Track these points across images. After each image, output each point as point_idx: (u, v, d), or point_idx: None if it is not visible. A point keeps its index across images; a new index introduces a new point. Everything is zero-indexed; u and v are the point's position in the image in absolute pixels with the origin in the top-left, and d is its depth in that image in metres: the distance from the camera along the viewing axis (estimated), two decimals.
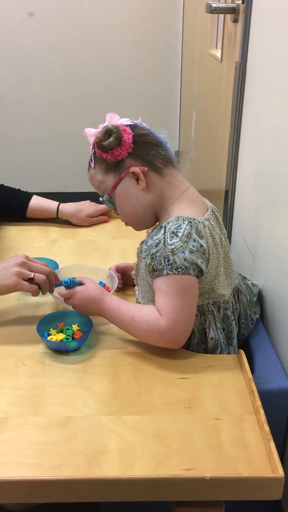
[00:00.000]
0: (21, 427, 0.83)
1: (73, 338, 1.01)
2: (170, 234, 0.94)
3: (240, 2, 1.38)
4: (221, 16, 1.66)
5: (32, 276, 1.02)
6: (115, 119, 1.00)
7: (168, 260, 0.93)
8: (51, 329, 1.04)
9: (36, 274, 1.03)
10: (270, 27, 1.21)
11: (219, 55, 1.72)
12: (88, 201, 1.58)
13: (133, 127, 1.00)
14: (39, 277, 1.03)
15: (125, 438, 0.81)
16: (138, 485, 0.75)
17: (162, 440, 0.81)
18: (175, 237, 0.93)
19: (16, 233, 1.51)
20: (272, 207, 1.19)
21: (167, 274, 0.93)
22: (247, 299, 1.13)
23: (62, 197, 1.66)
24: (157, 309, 0.95)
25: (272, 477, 0.74)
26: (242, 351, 0.99)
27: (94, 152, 1.01)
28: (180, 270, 0.92)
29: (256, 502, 0.79)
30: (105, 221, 1.58)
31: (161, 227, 0.97)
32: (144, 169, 0.98)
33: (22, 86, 2.70)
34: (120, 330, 1.01)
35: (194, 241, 0.93)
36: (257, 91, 1.32)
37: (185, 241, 0.93)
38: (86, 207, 1.56)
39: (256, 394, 0.88)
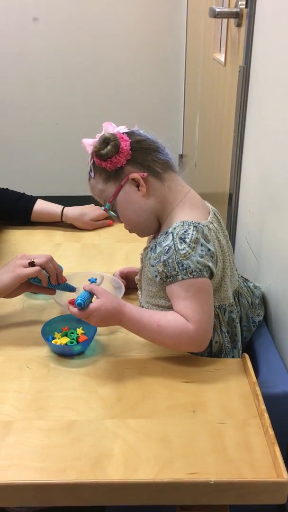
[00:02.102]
0: (25, 431, 0.83)
1: (78, 342, 1.01)
2: (179, 240, 0.94)
3: (244, 6, 1.39)
4: (225, 20, 1.66)
5: (32, 261, 1.04)
6: (111, 128, 1.01)
7: (182, 265, 0.93)
8: (56, 332, 1.04)
9: (36, 258, 1.05)
10: (273, 31, 1.22)
11: (222, 59, 1.73)
12: (92, 205, 1.58)
13: (129, 134, 1.00)
14: (40, 259, 1.05)
15: (129, 442, 0.81)
16: (142, 489, 0.75)
17: (167, 444, 0.81)
18: (184, 243, 0.94)
19: (21, 236, 1.51)
20: (276, 210, 1.19)
21: (182, 279, 0.93)
22: (248, 302, 1.13)
23: (67, 200, 1.66)
24: (179, 314, 0.94)
25: (277, 481, 0.74)
26: (246, 355, 0.99)
27: (93, 162, 1.01)
28: (195, 273, 0.93)
29: (261, 506, 0.78)
30: (109, 225, 1.58)
31: (167, 233, 0.97)
32: (143, 174, 0.98)
33: (26, 90, 2.71)
34: (124, 334, 1.01)
35: (202, 245, 0.94)
36: (261, 95, 1.32)
37: (193, 247, 0.93)
38: (90, 211, 1.56)
39: (260, 398, 0.88)
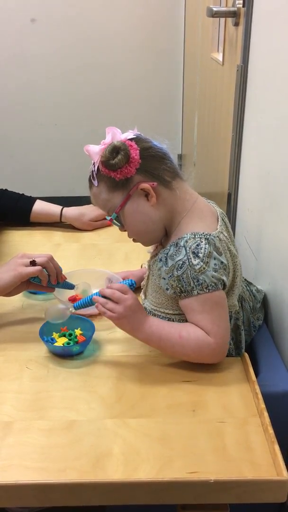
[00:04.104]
0: (25, 431, 0.83)
1: (76, 343, 1.01)
2: (192, 255, 0.92)
3: (241, 5, 1.39)
4: (222, 19, 1.66)
5: (33, 260, 1.04)
6: (118, 135, 0.96)
7: (198, 280, 0.92)
8: (54, 333, 1.04)
9: (37, 258, 1.05)
10: (271, 30, 1.22)
11: (220, 58, 1.73)
12: (92, 205, 1.56)
13: (137, 140, 0.96)
14: (41, 258, 1.05)
15: (130, 441, 0.81)
16: (142, 488, 0.75)
17: (167, 443, 0.81)
18: (197, 257, 0.92)
19: (20, 237, 1.51)
20: (275, 209, 1.19)
21: (198, 293, 0.93)
22: (250, 306, 1.13)
23: (66, 201, 1.66)
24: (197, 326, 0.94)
25: (277, 480, 0.74)
26: (246, 354, 0.99)
27: (98, 169, 0.96)
28: (211, 287, 0.92)
29: (261, 505, 0.79)
30: (108, 225, 1.58)
31: (178, 245, 0.94)
32: (153, 184, 0.95)
33: (25, 91, 2.71)
34: (123, 334, 1.01)
35: (215, 259, 0.93)
36: (259, 94, 1.32)
37: (207, 262, 0.92)
38: (90, 211, 1.56)
39: (260, 396, 0.88)
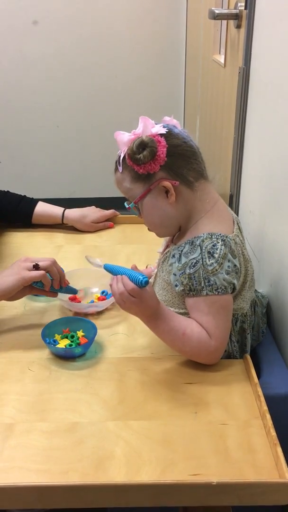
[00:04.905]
0: (27, 433, 0.83)
1: (78, 344, 1.01)
2: (207, 254, 0.92)
3: (243, 8, 1.39)
4: (224, 22, 1.67)
5: (37, 264, 1.04)
6: (149, 127, 0.94)
7: (209, 281, 0.92)
8: (56, 335, 1.04)
9: (40, 262, 1.05)
10: (272, 32, 1.22)
11: (222, 60, 1.73)
12: (93, 206, 1.58)
13: (167, 135, 0.94)
14: (44, 262, 1.05)
15: (132, 443, 0.81)
16: (144, 491, 0.75)
17: (169, 445, 0.81)
18: (212, 258, 0.92)
19: (22, 239, 1.51)
20: (277, 211, 1.19)
21: (207, 294, 0.92)
22: (260, 311, 1.13)
23: (68, 203, 1.66)
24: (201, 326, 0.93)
25: (279, 482, 0.74)
26: (248, 356, 0.99)
27: (124, 158, 0.95)
28: (220, 290, 0.92)
29: (264, 507, 0.78)
30: (110, 227, 1.58)
31: (194, 244, 0.94)
32: (175, 183, 0.94)
33: (27, 92, 2.72)
34: (125, 336, 1.01)
35: (229, 261, 0.93)
36: (261, 96, 1.32)
37: (221, 263, 0.92)
38: (91, 212, 1.56)
39: (262, 398, 0.87)
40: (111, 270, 0.98)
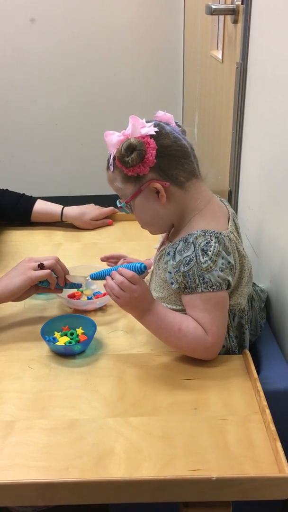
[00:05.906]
0: (28, 430, 0.83)
1: (77, 342, 1.01)
2: (201, 252, 0.92)
3: (240, 3, 1.39)
4: (221, 17, 1.66)
5: (41, 263, 1.05)
6: (138, 128, 0.92)
7: (203, 279, 0.92)
8: (55, 332, 1.04)
9: (44, 261, 1.06)
10: (270, 27, 1.22)
11: (220, 56, 1.73)
12: (92, 204, 1.58)
13: (157, 136, 0.92)
14: (49, 261, 1.06)
15: (132, 439, 0.81)
16: (145, 487, 0.75)
17: (169, 441, 0.81)
18: (206, 255, 0.92)
19: (21, 237, 1.51)
20: (276, 206, 1.19)
21: (202, 291, 0.93)
22: (258, 306, 1.13)
23: (67, 201, 1.66)
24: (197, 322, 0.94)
25: (279, 477, 0.74)
26: (247, 351, 0.99)
27: (114, 158, 0.94)
28: (215, 287, 0.92)
29: (264, 502, 0.79)
30: (109, 224, 1.58)
31: (187, 241, 0.94)
32: (165, 184, 0.94)
33: (25, 90, 2.71)
34: (125, 332, 1.01)
35: (223, 258, 0.93)
36: (258, 91, 1.32)
37: (215, 260, 0.92)
38: (90, 210, 1.56)
39: (261, 394, 0.88)
40: (100, 275, 1.01)
